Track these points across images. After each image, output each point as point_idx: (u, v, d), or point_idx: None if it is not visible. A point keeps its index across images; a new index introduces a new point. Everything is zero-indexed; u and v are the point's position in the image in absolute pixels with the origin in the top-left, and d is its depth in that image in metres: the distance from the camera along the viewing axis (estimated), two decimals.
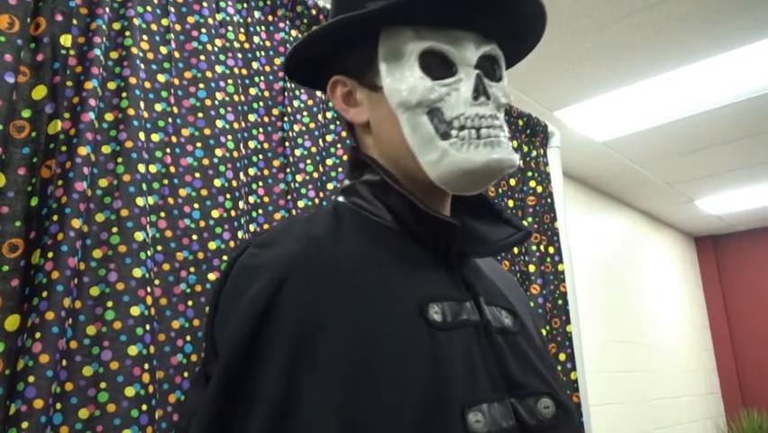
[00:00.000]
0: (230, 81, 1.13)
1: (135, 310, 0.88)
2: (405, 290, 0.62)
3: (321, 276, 0.59)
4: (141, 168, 0.95)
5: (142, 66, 1.03)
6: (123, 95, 0.97)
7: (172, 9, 1.11)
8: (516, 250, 1.65)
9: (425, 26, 0.64)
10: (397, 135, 0.65)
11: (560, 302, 1.71)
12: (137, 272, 0.90)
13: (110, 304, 0.87)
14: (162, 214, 1.00)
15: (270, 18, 1.29)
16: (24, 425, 0.75)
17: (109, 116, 0.96)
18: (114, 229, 0.91)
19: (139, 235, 0.91)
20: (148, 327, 0.89)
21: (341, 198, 0.74)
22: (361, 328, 0.57)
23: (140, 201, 0.93)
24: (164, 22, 1.09)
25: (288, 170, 1.20)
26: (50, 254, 0.82)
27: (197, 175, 1.05)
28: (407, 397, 0.55)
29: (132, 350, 0.86)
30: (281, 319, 0.56)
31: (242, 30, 1.22)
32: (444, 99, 0.63)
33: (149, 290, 0.91)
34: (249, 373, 0.55)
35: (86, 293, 0.86)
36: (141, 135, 0.97)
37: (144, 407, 0.85)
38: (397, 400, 0.55)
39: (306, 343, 0.55)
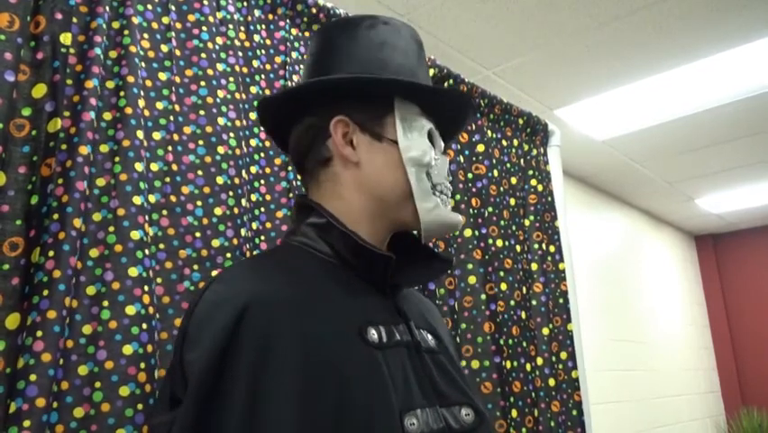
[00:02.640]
0: (231, 79, 1.13)
1: (131, 309, 0.88)
2: (346, 314, 0.74)
3: (274, 307, 0.70)
4: (139, 167, 0.95)
5: (143, 64, 1.03)
6: (122, 94, 0.97)
7: (173, 7, 1.11)
8: (518, 248, 1.65)
9: (425, 109, 0.85)
10: (395, 181, 0.82)
11: (560, 301, 1.71)
12: (133, 271, 0.90)
13: (105, 303, 0.87)
14: (164, 212, 1.00)
15: (271, 16, 1.29)
16: (26, 423, 0.75)
17: (107, 115, 0.96)
18: (111, 228, 0.90)
19: (135, 234, 0.91)
20: (144, 325, 0.89)
21: (287, 240, 0.87)
22: (307, 349, 0.68)
23: (137, 200, 0.93)
24: (165, 20, 1.09)
25: (290, 168, 1.20)
26: (51, 253, 0.82)
27: (200, 173, 1.05)
28: (354, 405, 0.66)
29: (128, 349, 0.86)
30: (243, 346, 0.66)
31: (242, 28, 1.22)
32: (434, 167, 0.83)
33: (146, 289, 0.91)
34: (218, 390, 0.65)
35: (82, 292, 0.86)
36: (140, 134, 0.97)
37: (140, 406, 0.85)
38: (345, 409, 0.66)
39: (262, 364, 0.66)
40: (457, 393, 0.78)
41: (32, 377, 0.77)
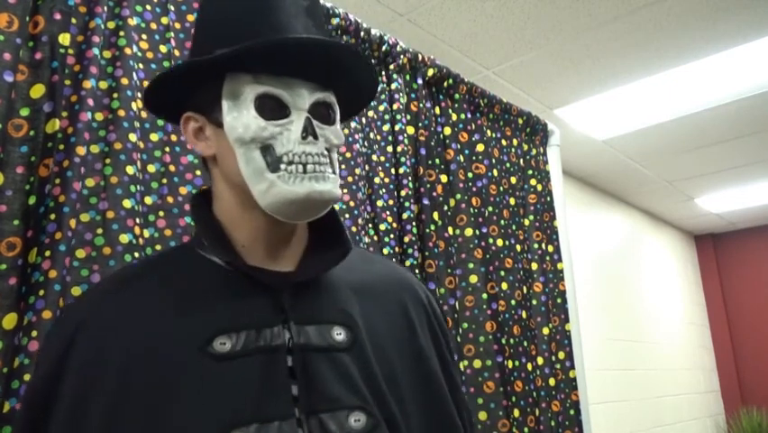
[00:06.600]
0: None
1: None
2: (192, 327, 0.68)
3: (105, 332, 0.67)
4: (130, 170, 0.94)
5: (141, 65, 1.03)
6: (115, 95, 0.97)
7: (172, 8, 1.11)
8: (518, 248, 1.64)
9: (264, 73, 0.72)
10: (236, 167, 0.72)
11: (559, 300, 1.71)
12: None
13: None
14: (161, 213, 0.99)
15: None
16: None
17: (99, 116, 0.96)
18: (99, 230, 0.90)
19: (124, 238, 0.91)
20: None
21: (187, 240, 0.82)
22: (131, 376, 0.65)
23: (127, 203, 0.93)
24: (164, 20, 1.09)
25: None
26: (48, 253, 0.82)
27: (198, 173, 1.05)
28: (172, 429, 0.63)
29: None
30: (66, 380, 0.65)
31: None
32: (276, 138, 0.71)
33: None
34: (41, 422, 0.64)
35: (67, 293, 0.86)
36: (132, 137, 0.96)
37: None
38: None
39: (84, 399, 0.64)
40: (350, 396, 0.69)
41: (27, 377, 0.77)
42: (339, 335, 0.73)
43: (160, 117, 0.85)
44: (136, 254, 0.92)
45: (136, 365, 0.65)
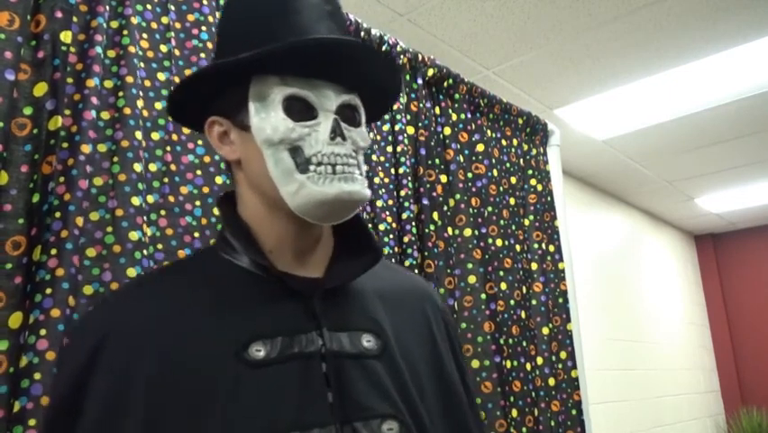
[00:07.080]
0: None
1: None
2: (225, 333, 0.67)
3: (136, 335, 0.66)
4: (138, 168, 0.95)
5: (142, 64, 1.03)
6: (120, 94, 0.97)
7: (172, 7, 1.11)
8: (518, 248, 1.65)
9: (290, 75, 0.72)
10: (263, 169, 0.71)
11: (560, 300, 1.72)
12: (131, 272, 0.90)
13: None
14: (163, 212, 1.00)
15: None
16: (31, 422, 0.75)
17: (105, 115, 0.96)
18: (109, 228, 0.91)
19: (134, 235, 0.91)
20: None
21: (212, 244, 0.82)
22: (166, 383, 0.63)
23: (135, 201, 0.93)
24: (164, 20, 1.09)
25: None
26: (54, 251, 0.83)
27: (199, 173, 1.05)
28: None
29: None
30: (96, 382, 0.63)
31: None
32: (305, 139, 0.71)
33: None
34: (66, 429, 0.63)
35: (79, 292, 0.86)
36: (138, 135, 0.97)
37: None
38: None
39: (114, 406, 0.62)
40: (383, 404, 0.69)
41: (37, 375, 0.77)
42: (368, 342, 0.73)
43: (184, 124, 0.86)
44: (145, 252, 0.93)
45: (168, 372, 0.64)
